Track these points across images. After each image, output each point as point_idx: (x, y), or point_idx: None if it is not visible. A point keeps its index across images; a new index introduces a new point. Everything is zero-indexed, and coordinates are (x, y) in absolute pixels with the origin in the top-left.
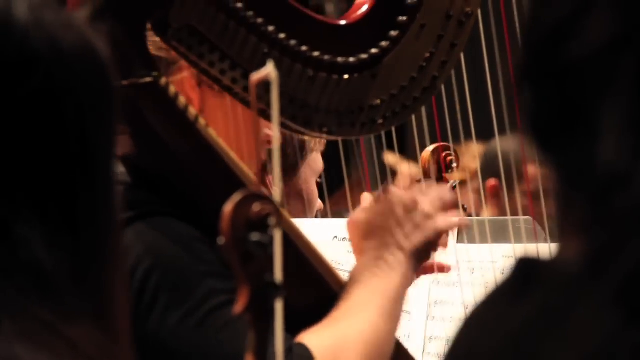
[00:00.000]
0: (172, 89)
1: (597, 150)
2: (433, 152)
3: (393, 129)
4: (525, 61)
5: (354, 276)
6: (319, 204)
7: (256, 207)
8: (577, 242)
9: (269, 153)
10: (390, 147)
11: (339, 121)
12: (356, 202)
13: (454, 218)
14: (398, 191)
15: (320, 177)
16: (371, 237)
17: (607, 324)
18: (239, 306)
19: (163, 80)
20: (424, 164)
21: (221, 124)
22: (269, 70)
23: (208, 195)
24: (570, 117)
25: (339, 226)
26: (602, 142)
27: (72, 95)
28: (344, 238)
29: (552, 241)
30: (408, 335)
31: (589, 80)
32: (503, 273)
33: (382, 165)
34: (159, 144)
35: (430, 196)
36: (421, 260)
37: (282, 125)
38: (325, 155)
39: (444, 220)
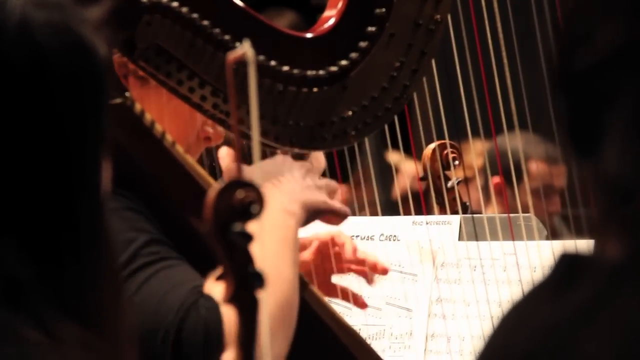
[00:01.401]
0: (138, 108)
1: (603, 162)
2: (435, 150)
3: (397, 127)
4: (555, 68)
5: None
6: None
7: (240, 194)
8: (613, 240)
9: (207, 152)
10: (394, 145)
11: (310, 134)
12: (360, 200)
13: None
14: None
15: (323, 174)
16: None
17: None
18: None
19: (129, 101)
20: (425, 162)
21: (150, 115)
22: (246, 49)
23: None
24: (585, 126)
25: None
26: (606, 154)
27: (51, 105)
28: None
29: (554, 238)
30: (410, 332)
31: (595, 90)
32: (505, 270)
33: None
34: (125, 160)
35: (321, 180)
36: (308, 221)
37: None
38: (327, 153)
39: (331, 200)
